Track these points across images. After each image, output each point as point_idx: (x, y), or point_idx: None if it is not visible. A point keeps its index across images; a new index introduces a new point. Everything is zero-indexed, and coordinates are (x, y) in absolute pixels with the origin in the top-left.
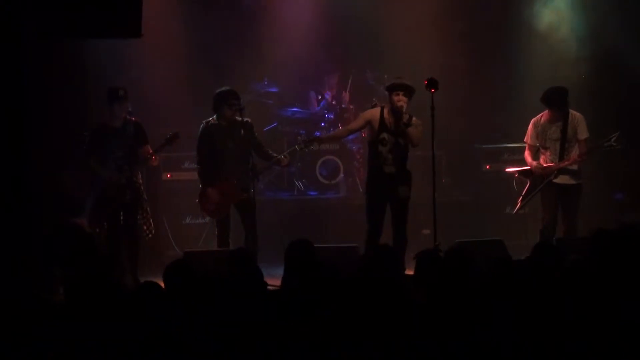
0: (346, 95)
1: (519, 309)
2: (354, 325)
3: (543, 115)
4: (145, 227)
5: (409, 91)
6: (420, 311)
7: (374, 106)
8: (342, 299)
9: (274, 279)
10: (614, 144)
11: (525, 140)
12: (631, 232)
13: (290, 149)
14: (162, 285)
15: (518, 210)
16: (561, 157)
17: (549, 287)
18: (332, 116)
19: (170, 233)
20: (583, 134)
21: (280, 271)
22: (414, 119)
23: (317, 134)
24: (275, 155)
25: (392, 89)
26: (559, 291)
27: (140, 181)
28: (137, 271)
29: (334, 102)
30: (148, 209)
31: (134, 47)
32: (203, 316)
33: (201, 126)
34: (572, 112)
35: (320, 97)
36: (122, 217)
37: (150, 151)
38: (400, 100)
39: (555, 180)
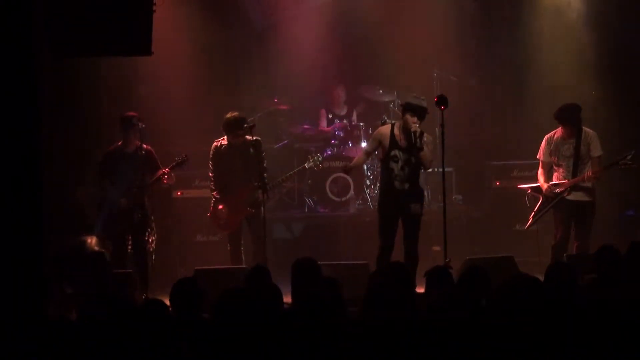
0: (355, 113)
1: (528, 326)
2: (359, 342)
3: (556, 132)
4: (148, 245)
5: (423, 114)
6: (428, 329)
7: (383, 123)
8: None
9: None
10: (629, 162)
11: (538, 157)
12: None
13: (291, 172)
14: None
15: (529, 226)
16: (574, 175)
17: (564, 306)
18: (342, 134)
19: (182, 251)
20: (596, 151)
21: (290, 286)
22: (425, 135)
23: (328, 152)
24: (261, 184)
25: (407, 109)
26: (574, 311)
27: (148, 205)
28: (148, 289)
29: (344, 120)
30: (154, 230)
31: (144, 64)
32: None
33: (212, 146)
34: (585, 129)
35: (331, 116)
36: (130, 237)
37: (166, 170)
38: (415, 123)
39: (568, 197)
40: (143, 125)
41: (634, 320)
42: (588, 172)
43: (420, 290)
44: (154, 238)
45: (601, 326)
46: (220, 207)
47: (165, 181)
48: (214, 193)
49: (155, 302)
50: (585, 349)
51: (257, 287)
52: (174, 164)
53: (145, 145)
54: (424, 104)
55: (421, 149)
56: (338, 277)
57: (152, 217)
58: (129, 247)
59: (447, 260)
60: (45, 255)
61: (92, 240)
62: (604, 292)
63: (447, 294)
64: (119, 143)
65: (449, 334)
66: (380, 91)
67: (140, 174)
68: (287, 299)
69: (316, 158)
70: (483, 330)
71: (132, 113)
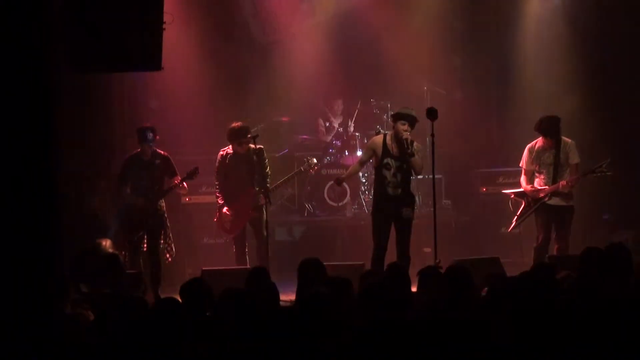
0: (351, 124)
1: (516, 322)
2: (364, 338)
3: (537, 142)
4: (167, 252)
5: (412, 121)
6: (424, 325)
7: (377, 133)
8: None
9: (285, 294)
10: (605, 170)
11: (520, 165)
12: (617, 250)
13: (288, 175)
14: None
15: (513, 229)
16: (554, 181)
17: (544, 301)
18: (339, 143)
19: (190, 253)
20: (574, 159)
21: (291, 286)
22: (415, 144)
23: (327, 159)
24: (264, 190)
25: (398, 117)
26: (554, 305)
27: (164, 209)
28: (159, 289)
29: (340, 130)
30: (170, 234)
31: (155, 78)
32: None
33: (218, 155)
34: (564, 138)
35: (328, 124)
36: (145, 240)
37: (179, 179)
38: (406, 130)
39: (548, 202)
40: (156, 135)
41: (615, 318)
42: (562, 181)
43: (413, 289)
44: (169, 241)
45: (583, 322)
46: (225, 211)
47: (179, 191)
48: (220, 199)
49: (169, 300)
50: (569, 344)
51: (256, 286)
52: (185, 175)
53: (161, 152)
54: (413, 113)
55: (412, 155)
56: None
57: (168, 223)
58: (144, 249)
59: (437, 261)
60: (63, 258)
61: (106, 243)
62: (585, 290)
63: (435, 290)
64: (138, 150)
65: (441, 330)
66: (375, 103)
67: (156, 180)
68: (288, 296)
69: (310, 161)
70: (472, 326)
71: (146, 124)
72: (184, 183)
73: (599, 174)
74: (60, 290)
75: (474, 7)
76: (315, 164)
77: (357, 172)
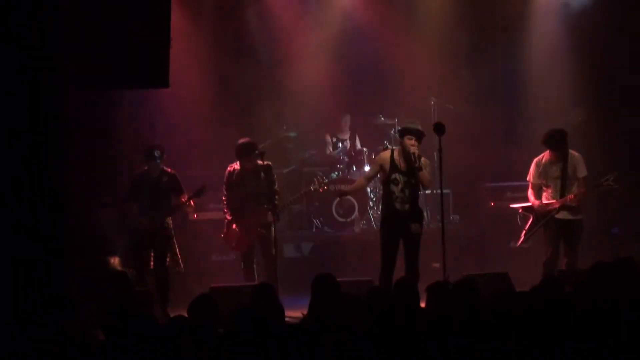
0: (359, 139)
1: (525, 338)
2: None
3: (544, 156)
4: (176, 266)
5: (419, 135)
6: (433, 340)
7: (385, 149)
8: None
9: (294, 310)
10: (612, 183)
11: (528, 178)
12: (625, 264)
13: (297, 194)
14: None
15: (521, 244)
16: (562, 195)
17: (552, 316)
18: (346, 159)
19: (198, 269)
20: (582, 172)
21: (300, 302)
22: (422, 159)
23: (334, 175)
24: (272, 207)
25: (404, 133)
26: (561, 319)
27: (171, 226)
28: (168, 306)
29: (347, 145)
30: (178, 251)
31: (162, 95)
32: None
33: (226, 171)
34: (571, 152)
35: (335, 140)
36: (152, 257)
37: (186, 197)
38: (413, 145)
39: (557, 216)
40: (164, 154)
41: (623, 331)
42: (570, 195)
43: (422, 304)
44: (177, 258)
45: (591, 336)
46: (233, 228)
47: (185, 209)
48: (227, 215)
49: (180, 318)
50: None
51: (262, 303)
52: (192, 193)
53: (169, 170)
54: (419, 127)
55: (420, 169)
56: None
57: (174, 240)
58: (151, 266)
59: (446, 276)
60: (71, 275)
61: (115, 260)
62: (593, 303)
63: (444, 303)
64: (145, 168)
65: (450, 345)
66: (382, 118)
67: (163, 198)
68: (295, 313)
69: (321, 180)
70: (480, 338)
71: (154, 144)
72: (191, 201)
73: (606, 187)
74: (69, 309)
75: (480, 22)
76: (326, 183)
77: (362, 187)
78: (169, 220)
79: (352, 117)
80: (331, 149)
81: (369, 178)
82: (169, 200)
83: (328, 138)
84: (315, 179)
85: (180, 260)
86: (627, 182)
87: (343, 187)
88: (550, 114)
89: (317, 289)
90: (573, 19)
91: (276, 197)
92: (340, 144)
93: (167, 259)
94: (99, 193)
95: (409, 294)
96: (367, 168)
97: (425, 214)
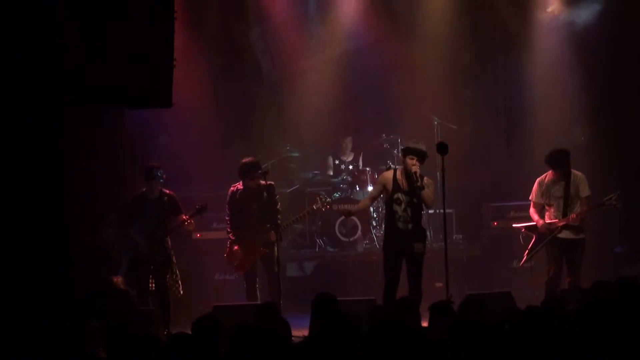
0: (362, 159)
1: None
2: None
3: (547, 175)
4: (174, 288)
5: (421, 155)
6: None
7: (388, 169)
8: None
9: (297, 329)
10: (614, 202)
11: (530, 198)
12: (627, 284)
13: (299, 214)
14: None
15: (524, 263)
16: (565, 214)
17: (555, 335)
18: (349, 178)
19: (201, 289)
20: (585, 192)
21: (303, 321)
22: (425, 178)
23: (337, 195)
24: (275, 226)
25: (407, 152)
26: (564, 338)
27: (170, 247)
28: (169, 325)
29: (350, 167)
30: (177, 270)
31: (165, 114)
32: None
33: (229, 191)
34: (574, 171)
35: (337, 162)
36: (153, 277)
37: (185, 217)
38: (414, 165)
39: (559, 235)
40: (164, 174)
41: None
42: (573, 215)
43: (425, 324)
44: (177, 277)
45: (594, 354)
46: (236, 248)
47: (186, 227)
48: (230, 235)
49: (181, 335)
50: None
51: (266, 322)
52: (193, 211)
53: (167, 191)
54: (423, 147)
55: (422, 188)
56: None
57: (174, 260)
58: (152, 286)
59: (449, 295)
60: (74, 295)
61: (117, 280)
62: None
63: (449, 324)
64: (144, 190)
65: None
66: (385, 138)
67: (162, 219)
68: (298, 332)
69: (323, 200)
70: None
71: (154, 164)
72: (192, 220)
73: (609, 207)
74: (74, 328)
75: (481, 41)
76: (330, 202)
77: (367, 207)
78: (169, 241)
79: (355, 136)
80: (332, 172)
81: (373, 198)
82: (168, 220)
83: (330, 160)
84: (318, 198)
85: (180, 282)
86: (630, 202)
87: (347, 207)
88: (552, 133)
89: (317, 308)
90: (576, 38)
91: (279, 216)
92: (342, 166)
93: (167, 279)
94: (102, 213)
95: (410, 313)
96: (370, 188)
97: (428, 233)
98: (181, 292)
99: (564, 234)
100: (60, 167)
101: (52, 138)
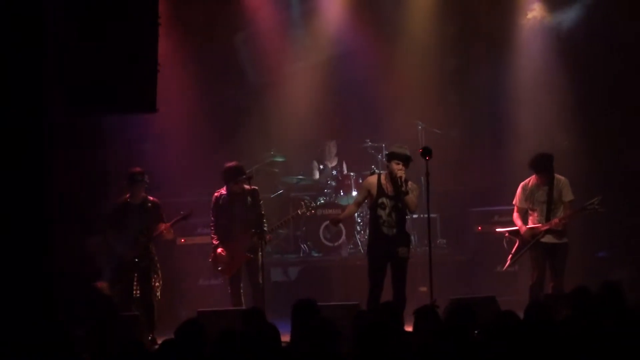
0: (346, 164)
1: None
2: None
3: (531, 180)
4: (157, 293)
5: (406, 160)
6: None
7: (372, 174)
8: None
9: (282, 335)
10: (597, 207)
11: (514, 202)
12: (609, 289)
13: (284, 219)
14: None
15: (508, 267)
16: (548, 219)
17: (542, 341)
18: (333, 183)
19: (185, 294)
20: (568, 196)
21: (287, 327)
22: (410, 183)
23: (321, 200)
24: (259, 231)
25: (392, 157)
26: (552, 345)
27: (154, 252)
28: (154, 331)
29: (334, 172)
30: (159, 277)
31: (149, 119)
32: None
33: (213, 196)
34: (557, 176)
35: (322, 167)
36: (137, 283)
37: (167, 225)
38: (400, 170)
39: (542, 240)
40: (147, 180)
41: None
42: (555, 220)
43: (409, 328)
44: (159, 284)
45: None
46: (220, 252)
47: (164, 237)
48: (214, 240)
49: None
50: None
51: (253, 327)
52: (176, 219)
53: (151, 198)
54: (407, 152)
55: (407, 192)
56: (331, 316)
57: (158, 265)
58: (136, 292)
59: (433, 300)
60: (59, 301)
61: (102, 286)
62: (578, 328)
63: (435, 330)
64: (127, 196)
65: None
66: (369, 143)
67: (146, 225)
68: (285, 338)
69: (308, 204)
70: None
71: (137, 169)
72: (171, 228)
73: (591, 211)
74: (59, 334)
75: (466, 46)
76: (314, 207)
77: (353, 213)
78: (152, 246)
79: (340, 142)
80: (317, 176)
81: (358, 204)
82: (152, 227)
83: (315, 164)
84: (302, 203)
85: (159, 288)
86: (613, 206)
87: (332, 212)
88: (536, 137)
89: (297, 314)
90: (560, 42)
91: (264, 221)
92: (326, 170)
93: (151, 285)
94: (85, 219)
95: (394, 317)
96: (354, 193)
97: (412, 238)
98: (158, 297)
99: (547, 239)
100: (44, 173)
101: (36, 143)
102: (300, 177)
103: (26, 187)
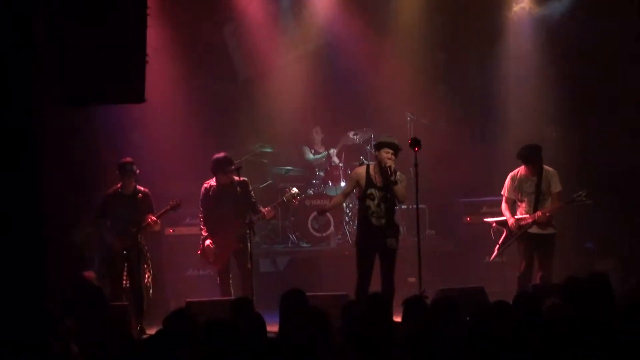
0: (334, 154)
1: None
2: None
3: (519, 170)
4: (147, 284)
5: (396, 149)
6: (407, 357)
7: (360, 164)
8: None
9: (270, 326)
10: (584, 198)
11: (502, 192)
12: (597, 280)
13: (274, 203)
14: None
15: (495, 258)
16: (536, 209)
17: (529, 331)
18: (322, 174)
19: (174, 284)
20: (556, 187)
21: (275, 317)
22: (398, 173)
23: (310, 191)
24: (262, 210)
25: (381, 146)
26: (539, 334)
27: (144, 242)
28: (143, 321)
29: (324, 160)
30: (150, 268)
31: (138, 110)
32: None
33: (202, 187)
34: (546, 167)
35: (313, 152)
36: (126, 273)
37: (154, 218)
38: (389, 159)
39: (530, 231)
40: (138, 170)
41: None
42: (538, 212)
43: (397, 319)
44: (149, 274)
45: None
46: (209, 243)
47: (152, 228)
48: (203, 231)
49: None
50: None
51: (241, 317)
52: (163, 210)
53: (142, 188)
54: (396, 142)
55: (396, 182)
56: (319, 307)
57: (148, 255)
58: (125, 282)
59: (422, 290)
60: (48, 292)
61: (90, 276)
62: (568, 318)
63: (422, 319)
64: (118, 186)
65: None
66: (358, 134)
67: (136, 215)
68: (273, 328)
69: (293, 192)
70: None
71: (127, 159)
72: (158, 219)
73: (578, 203)
74: (46, 325)
75: (456, 37)
76: (297, 194)
77: (340, 204)
78: (142, 237)
79: (327, 131)
80: (311, 156)
81: (346, 194)
82: (142, 217)
83: (306, 149)
84: (287, 190)
85: (150, 278)
86: (601, 198)
87: (320, 203)
88: (525, 129)
89: (285, 304)
90: (549, 34)
91: (259, 208)
92: (317, 155)
93: (142, 275)
94: (74, 209)
95: (382, 308)
96: (343, 184)
97: (401, 229)
98: (151, 287)
99: (535, 229)
100: (33, 164)
101: (25, 134)
102: (289, 167)
103: (16, 179)
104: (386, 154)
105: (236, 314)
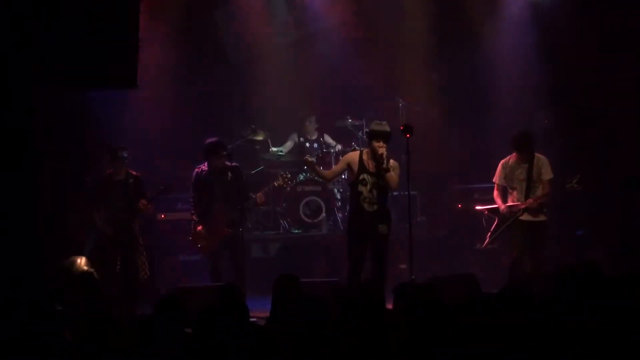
0: (327, 140)
1: (491, 340)
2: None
3: (511, 158)
4: (141, 270)
5: (387, 137)
6: (400, 343)
7: (353, 150)
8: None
9: (261, 312)
10: (576, 185)
11: (494, 180)
12: (588, 268)
13: (265, 188)
14: None
15: (486, 245)
16: (527, 197)
17: (520, 318)
18: (314, 160)
19: (164, 270)
20: (547, 174)
21: (267, 303)
22: (391, 161)
23: (301, 176)
24: (253, 196)
25: (373, 136)
26: (530, 322)
27: (137, 227)
28: (134, 307)
29: (315, 145)
30: (144, 252)
31: (129, 96)
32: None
33: (194, 172)
34: (537, 154)
35: (302, 140)
36: (119, 260)
37: (145, 202)
38: (381, 147)
39: (521, 218)
40: (127, 155)
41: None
42: (529, 199)
43: (388, 306)
44: (144, 259)
45: (560, 338)
46: (200, 229)
47: (143, 213)
48: (194, 216)
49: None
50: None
51: (227, 304)
52: (154, 194)
53: (134, 173)
54: (387, 128)
55: (388, 170)
56: (311, 293)
57: (141, 241)
58: (117, 268)
59: (413, 277)
60: (40, 277)
61: (81, 261)
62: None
63: (413, 306)
64: (110, 171)
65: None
66: (350, 120)
67: (129, 200)
68: (263, 314)
69: (285, 177)
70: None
71: (119, 144)
72: (150, 204)
73: (570, 190)
74: (42, 309)
75: (447, 24)
76: (289, 178)
77: (326, 178)
78: (135, 222)
79: (321, 118)
80: (291, 147)
81: (335, 173)
82: (134, 202)
83: (295, 137)
84: (279, 175)
85: (147, 264)
86: (592, 185)
87: (312, 189)
88: (517, 116)
89: (278, 290)
90: (541, 21)
91: (251, 195)
92: (307, 145)
93: (134, 260)
94: (66, 194)
95: (374, 294)
96: None
97: (392, 215)
98: (148, 274)
99: (526, 217)
100: (25, 150)
101: (17, 119)
102: (281, 152)
103: (7, 165)
104: (377, 144)
105: (222, 300)
